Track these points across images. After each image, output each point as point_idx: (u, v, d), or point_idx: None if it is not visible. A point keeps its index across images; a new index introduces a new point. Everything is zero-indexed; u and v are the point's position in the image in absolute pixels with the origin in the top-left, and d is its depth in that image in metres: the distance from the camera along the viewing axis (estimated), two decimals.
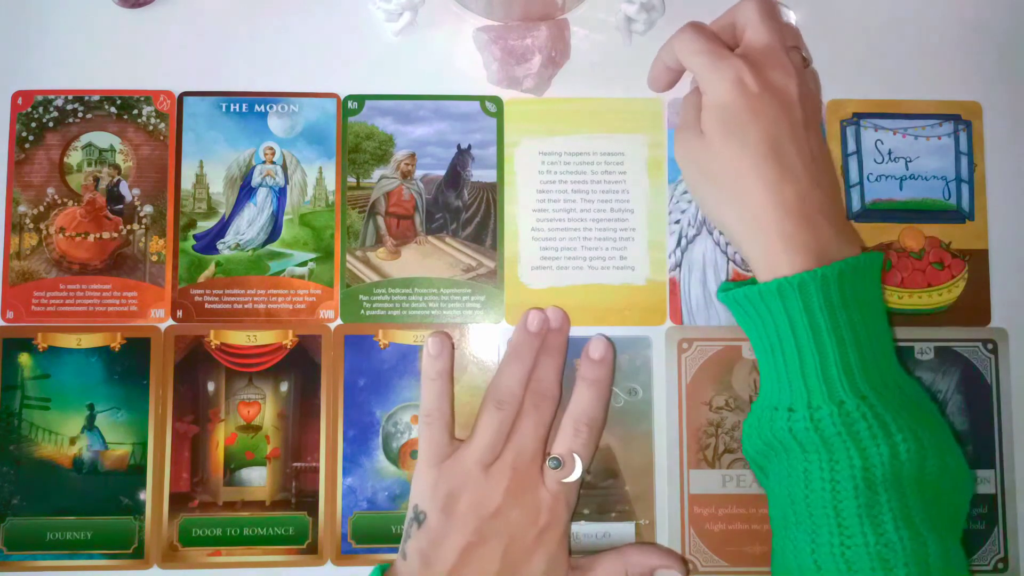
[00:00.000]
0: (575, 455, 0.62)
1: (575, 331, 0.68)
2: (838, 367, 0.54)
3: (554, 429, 0.64)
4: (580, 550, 0.66)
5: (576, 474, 0.62)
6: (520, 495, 0.61)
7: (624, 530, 0.67)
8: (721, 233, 0.69)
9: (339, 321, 0.68)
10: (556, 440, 0.63)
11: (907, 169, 0.69)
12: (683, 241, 0.69)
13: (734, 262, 0.68)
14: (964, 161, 0.69)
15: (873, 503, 0.52)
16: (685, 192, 0.69)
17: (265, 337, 0.68)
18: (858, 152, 0.69)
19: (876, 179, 0.69)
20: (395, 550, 0.65)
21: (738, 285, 0.60)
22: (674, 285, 0.69)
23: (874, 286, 0.58)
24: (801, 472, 0.55)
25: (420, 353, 0.67)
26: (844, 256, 0.56)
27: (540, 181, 0.69)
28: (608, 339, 0.66)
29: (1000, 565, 0.67)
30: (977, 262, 0.69)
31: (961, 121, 0.69)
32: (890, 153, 0.69)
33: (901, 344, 0.68)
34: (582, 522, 0.66)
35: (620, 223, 0.69)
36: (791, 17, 0.69)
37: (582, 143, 0.69)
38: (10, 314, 0.67)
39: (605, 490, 0.67)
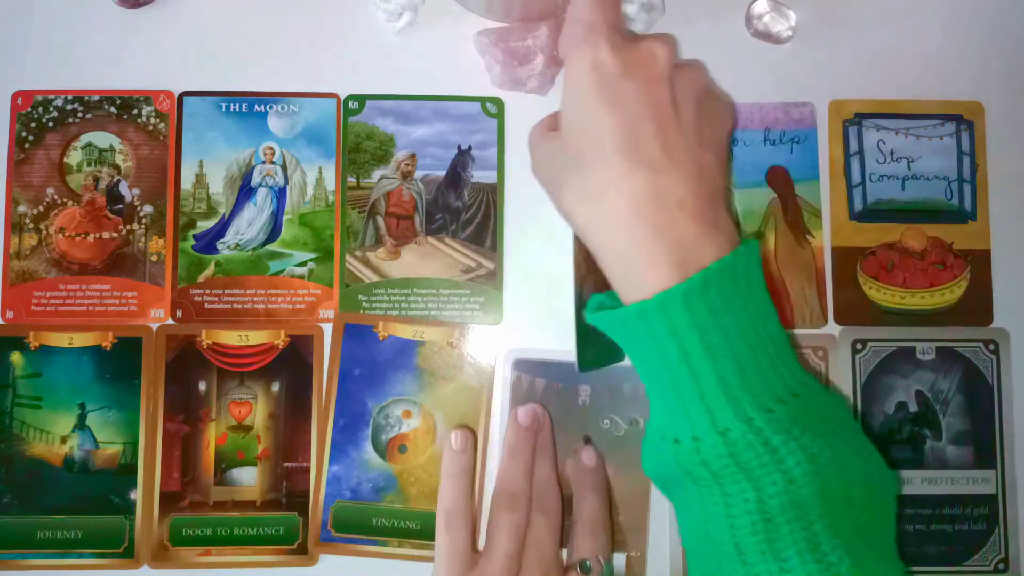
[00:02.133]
0: (599, 557, 0.61)
1: None
2: (716, 392, 0.47)
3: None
4: None
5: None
6: None
7: (614, 560, 0.66)
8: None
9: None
10: (576, 544, 0.62)
11: (909, 169, 0.69)
12: None
13: None
14: (966, 161, 0.69)
15: (775, 537, 0.46)
16: None
17: (257, 337, 0.67)
18: (860, 152, 0.69)
19: (878, 179, 0.69)
20: (374, 542, 0.66)
21: (608, 296, 0.54)
22: None
23: (750, 284, 0.50)
24: (698, 506, 0.49)
25: (417, 351, 0.67)
26: (708, 256, 0.49)
27: None
28: (595, 449, 0.65)
29: (1000, 565, 0.66)
30: (979, 262, 0.68)
31: (963, 121, 0.69)
32: (892, 153, 0.69)
33: (903, 344, 0.68)
34: None
35: None
36: (791, 17, 0.69)
37: None
38: (10, 314, 0.67)
39: None
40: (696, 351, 0.47)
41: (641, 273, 0.49)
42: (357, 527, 0.66)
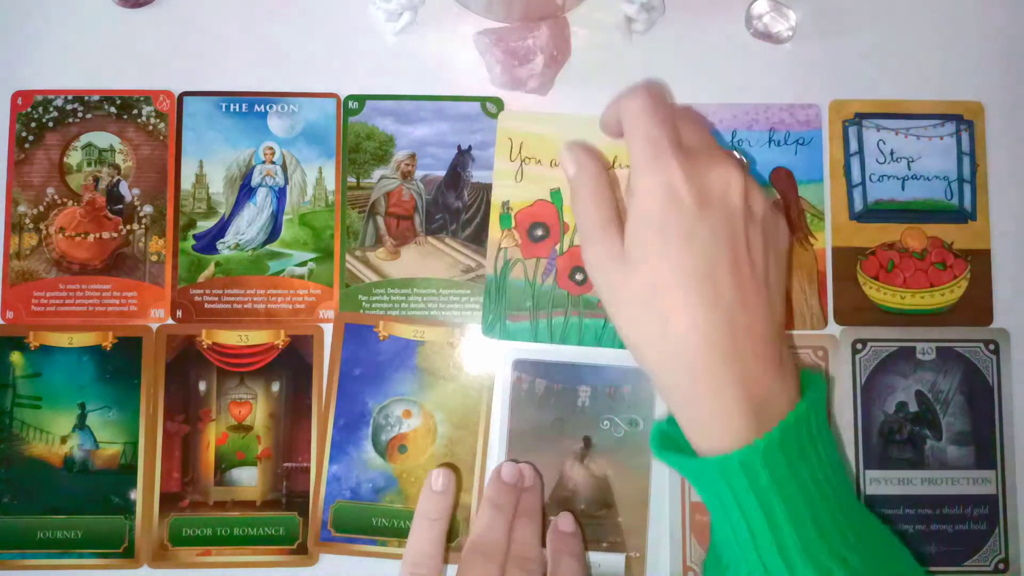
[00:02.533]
0: None
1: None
2: (796, 547, 0.47)
3: None
4: None
5: None
6: None
7: (614, 561, 0.66)
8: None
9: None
10: None
11: (909, 169, 0.69)
12: None
13: None
14: (966, 161, 0.69)
15: None
16: None
17: (257, 337, 0.67)
18: (860, 152, 0.69)
19: (878, 179, 0.69)
20: (374, 542, 0.66)
21: (670, 424, 0.53)
22: None
23: (820, 428, 0.49)
24: None
25: (417, 351, 0.67)
26: (782, 404, 0.49)
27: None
28: (573, 514, 0.65)
29: (1001, 566, 0.66)
30: (979, 262, 0.68)
31: (963, 121, 0.69)
32: (892, 153, 0.69)
33: (903, 344, 0.68)
34: None
35: None
36: (791, 17, 0.69)
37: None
38: (10, 314, 0.67)
39: (598, 520, 0.66)
40: (775, 507, 0.47)
41: (716, 422, 0.48)
42: (357, 527, 0.66)
